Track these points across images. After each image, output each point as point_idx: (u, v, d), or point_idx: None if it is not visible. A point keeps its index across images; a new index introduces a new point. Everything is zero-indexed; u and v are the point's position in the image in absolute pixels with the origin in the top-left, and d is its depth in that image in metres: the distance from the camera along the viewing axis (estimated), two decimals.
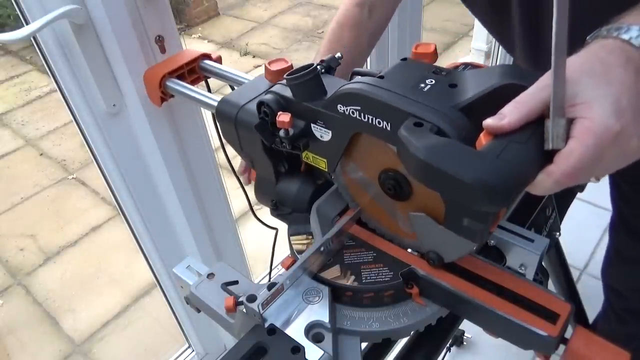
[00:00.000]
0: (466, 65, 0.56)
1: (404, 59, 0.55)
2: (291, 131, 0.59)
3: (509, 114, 0.42)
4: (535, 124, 0.42)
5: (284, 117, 0.58)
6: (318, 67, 0.60)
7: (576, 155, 0.39)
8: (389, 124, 0.49)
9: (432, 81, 0.50)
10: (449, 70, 0.53)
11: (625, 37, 0.43)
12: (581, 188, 0.96)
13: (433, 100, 0.47)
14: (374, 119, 0.50)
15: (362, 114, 0.51)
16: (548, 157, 0.41)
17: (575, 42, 0.44)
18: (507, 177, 0.39)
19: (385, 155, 0.53)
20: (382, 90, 0.49)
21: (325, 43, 0.84)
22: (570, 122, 0.41)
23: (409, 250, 0.60)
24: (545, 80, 0.42)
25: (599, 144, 0.39)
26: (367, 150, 0.56)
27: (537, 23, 0.72)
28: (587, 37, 0.46)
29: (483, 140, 0.43)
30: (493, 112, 0.43)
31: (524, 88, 0.43)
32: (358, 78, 0.54)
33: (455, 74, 0.52)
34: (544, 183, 0.41)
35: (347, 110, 0.52)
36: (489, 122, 0.43)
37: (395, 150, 0.49)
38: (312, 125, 0.58)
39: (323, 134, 0.58)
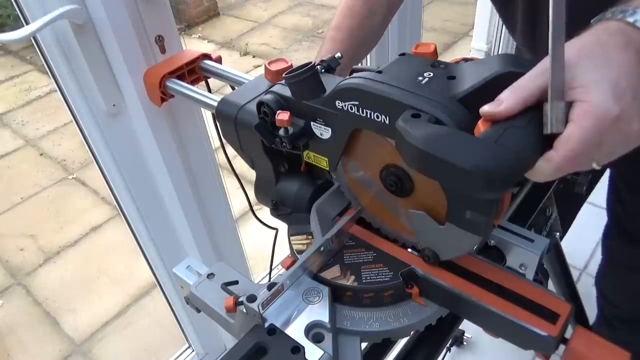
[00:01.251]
0: (467, 60, 0.56)
1: (403, 54, 0.55)
2: (290, 130, 0.59)
3: (506, 100, 0.42)
4: (534, 110, 0.42)
5: (282, 116, 0.58)
6: (318, 66, 0.61)
7: (575, 139, 0.39)
8: (387, 118, 0.48)
9: (430, 74, 0.50)
10: (447, 64, 0.52)
11: (630, 19, 0.42)
12: (588, 190, 0.95)
13: (431, 92, 0.47)
14: (372, 113, 0.49)
15: (360, 109, 0.50)
16: (548, 142, 0.41)
17: (578, 24, 0.43)
18: (506, 162, 0.39)
19: (385, 151, 0.53)
20: (379, 84, 0.49)
21: (337, 15, 0.80)
22: (570, 105, 0.40)
23: (409, 250, 0.60)
24: (543, 65, 0.41)
25: (598, 127, 0.39)
26: (367, 147, 0.56)
27: (536, 3, 0.71)
28: (592, 20, 0.45)
29: (481, 127, 0.42)
30: (492, 100, 0.43)
31: (522, 75, 0.43)
32: (356, 74, 0.54)
33: (454, 67, 0.51)
34: (544, 169, 0.41)
35: (345, 106, 0.52)
36: (485, 108, 0.42)
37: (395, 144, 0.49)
38: (312, 123, 0.58)
39: (323, 131, 0.58)
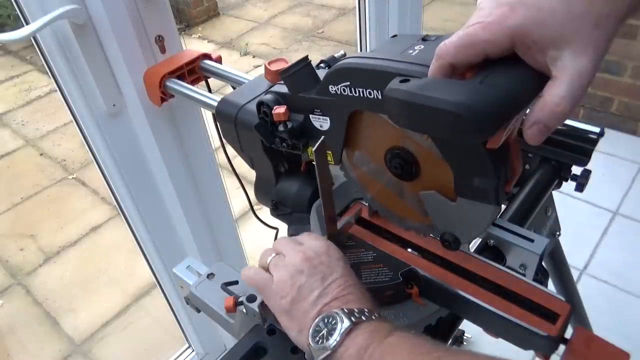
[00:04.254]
0: None
1: (394, 36, 0.55)
2: (289, 124, 0.59)
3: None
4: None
5: (279, 109, 0.58)
6: (322, 64, 0.61)
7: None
8: (379, 92, 0.47)
9: (421, 46, 0.49)
10: (439, 36, 0.51)
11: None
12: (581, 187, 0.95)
13: (421, 59, 0.46)
14: (364, 90, 0.49)
15: (352, 89, 0.50)
16: (540, 83, 0.39)
17: None
18: (492, 98, 0.37)
19: (385, 133, 0.52)
20: (367, 59, 0.48)
21: None
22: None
23: (409, 250, 0.60)
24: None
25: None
26: (367, 133, 0.55)
27: None
28: None
29: (468, 77, 0.41)
30: None
31: None
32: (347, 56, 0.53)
33: (446, 37, 0.50)
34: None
35: (338, 89, 0.51)
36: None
37: (389, 120, 0.47)
38: (311, 116, 0.58)
39: (322, 122, 0.57)
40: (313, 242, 0.55)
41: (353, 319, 0.45)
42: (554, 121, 0.38)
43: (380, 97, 0.48)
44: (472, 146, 0.44)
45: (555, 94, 0.37)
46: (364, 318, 0.46)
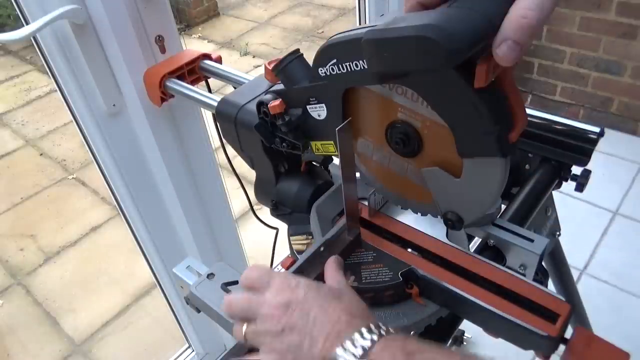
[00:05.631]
0: None
1: (382, 15, 0.55)
2: (286, 117, 0.59)
3: None
4: None
5: (274, 102, 0.58)
6: None
7: None
8: (364, 62, 0.47)
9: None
10: None
11: None
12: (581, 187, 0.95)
13: (399, 19, 0.44)
14: (350, 63, 0.49)
15: (340, 65, 0.50)
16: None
17: None
18: (458, 15, 0.37)
19: (381, 108, 0.52)
20: (348, 32, 0.48)
21: None
22: None
23: (409, 250, 0.60)
24: None
25: None
26: (364, 115, 0.55)
27: None
28: None
29: None
30: None
31: None
32: None
33: None
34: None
35: (327, 70, 0.51)
36: None
37: (382, 94, 0.47)
38: (308, 107, 0.58)
39: (319, 111, 0.57)
40: (273, 286, 0.49)
41: (360, 350, 0.41)
42: (522, 35, 0.36)
43: (366, 66, 0.47)
44: (461, 92, 0.43)
45: (520, 6, 0.36)
46: (369, 343, 0.42)
